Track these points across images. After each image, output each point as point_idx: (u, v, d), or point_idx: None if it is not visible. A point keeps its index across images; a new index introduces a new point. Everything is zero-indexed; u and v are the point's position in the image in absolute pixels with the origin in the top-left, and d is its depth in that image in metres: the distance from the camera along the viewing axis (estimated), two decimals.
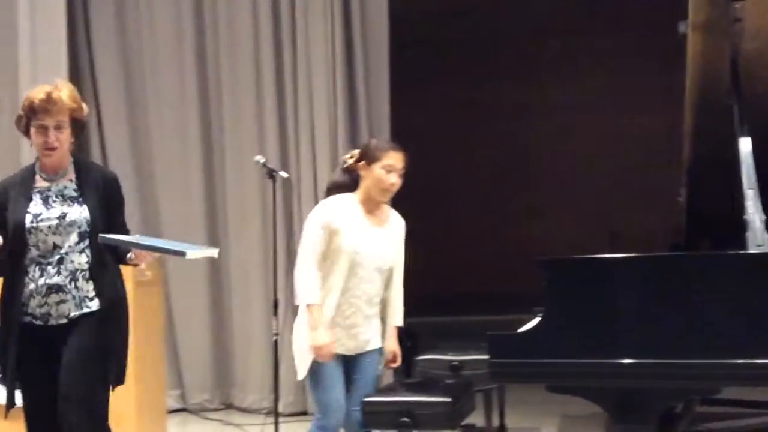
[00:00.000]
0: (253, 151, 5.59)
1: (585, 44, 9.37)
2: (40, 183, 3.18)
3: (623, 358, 2.92)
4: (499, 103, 9.80)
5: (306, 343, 3.46)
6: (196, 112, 6.29)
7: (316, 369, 3.46)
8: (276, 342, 4.34)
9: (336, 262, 3.46)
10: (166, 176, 6.33)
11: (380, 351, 3.66)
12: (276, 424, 4.41)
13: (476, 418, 4.38)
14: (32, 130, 3.13)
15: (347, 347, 3.54)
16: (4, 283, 3.15)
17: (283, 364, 4.62)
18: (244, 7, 6.17)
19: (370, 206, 3.56)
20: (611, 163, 9.51)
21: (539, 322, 3.21)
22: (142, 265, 3.26)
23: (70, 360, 3.05)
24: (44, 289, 3.08)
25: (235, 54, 6.20)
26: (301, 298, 3.45)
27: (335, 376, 3.49)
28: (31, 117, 3.12)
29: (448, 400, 3.72)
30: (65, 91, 3.14)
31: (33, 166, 3.22)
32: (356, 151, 3.62)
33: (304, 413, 5.88)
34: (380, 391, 4.11)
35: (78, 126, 3.19)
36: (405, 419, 3.63)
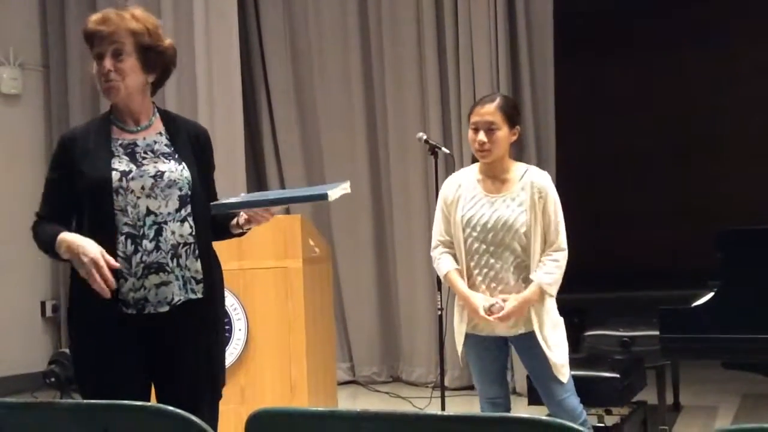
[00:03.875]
0: (416, 128, 5.64)
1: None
2: (121, 135, 2.50)
3: None
4: (679, 73, 9.30)
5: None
6: (360, 90, 6.40)
7: None
8: (440, 317, 4.37)
9: None
10: (333, 154, 6.50)
11: None
12: (442, 398, 4.45)
13: (649, 396, 4.25)
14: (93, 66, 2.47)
15: None
16: (76, 283, 2.44)
17: (448, 338, 4.65)
18: None
19: (487, 173, 3.21)
20: None
21: (714, 296, 3.08)
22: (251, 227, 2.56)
23: (182, 373, 2.47)
24: (140, 269, 2.41)
25: (398, 32, 6.25)
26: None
27: None
28: (90, 49, 2.46)
29: (617, 376, 3.64)
30: (131, 11, 2.49)
31: (107, 115, 2.54)
32: None
33: (471, 387, 5.90)
34: None
35: (153, 59, 2.48)
36: None
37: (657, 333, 3.23)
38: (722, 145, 9.16)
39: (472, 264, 3.13)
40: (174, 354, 2.47)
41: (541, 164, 5.85)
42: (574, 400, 3.16)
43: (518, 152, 5.73)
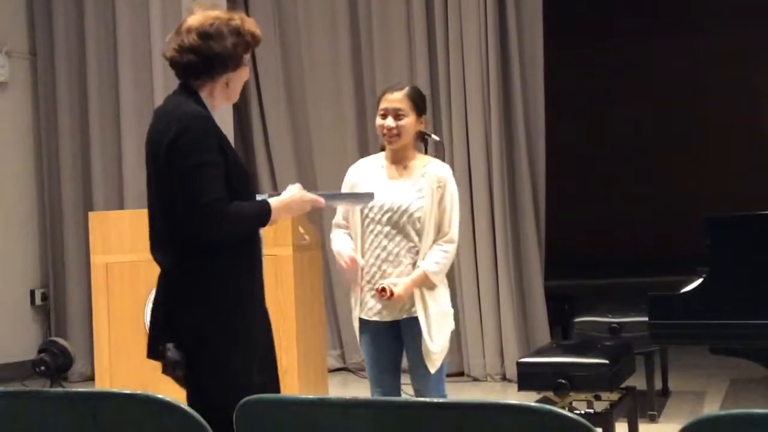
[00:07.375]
0: None
1: None
2: None
3: None
4: (665, 59, 9.31)
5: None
6: (350, 80, 6.38)
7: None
8: None
9: None
10: (322, 141, 6.48)
11: None
12: None
13: (638, 381, 4.28)
14: (243, 64, 2.60)
15: None
16: (244, 272, 2.56)
17: None
18: None
19: (393, 159, 3.31)
20: None
21: (702, 282, 3.10)
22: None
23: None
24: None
25: (387, 17, 6.24)
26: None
27: None
28: (248, 48, 2.60)
29: (606, 362, 3.65)
30: None
31: (208, 111, 2.55)
32: None
33: (461, 374, 5.93)
34: (536, 353, 4.09)
35: None
36: (562, 381, 3.60)
37: (646, 319, 3.25)
38: (714, 134, 9.19)
39: (366, 245, 3.22)
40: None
41: (530, 154, 5.88)
42: (435, 393, 3.25)
43: (509, 142, 5.81)
